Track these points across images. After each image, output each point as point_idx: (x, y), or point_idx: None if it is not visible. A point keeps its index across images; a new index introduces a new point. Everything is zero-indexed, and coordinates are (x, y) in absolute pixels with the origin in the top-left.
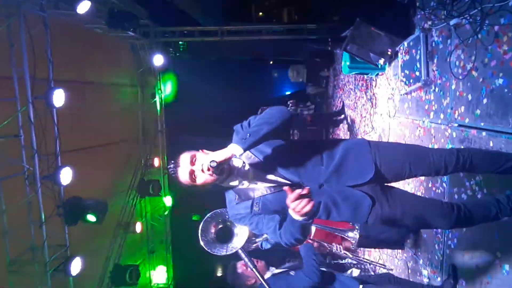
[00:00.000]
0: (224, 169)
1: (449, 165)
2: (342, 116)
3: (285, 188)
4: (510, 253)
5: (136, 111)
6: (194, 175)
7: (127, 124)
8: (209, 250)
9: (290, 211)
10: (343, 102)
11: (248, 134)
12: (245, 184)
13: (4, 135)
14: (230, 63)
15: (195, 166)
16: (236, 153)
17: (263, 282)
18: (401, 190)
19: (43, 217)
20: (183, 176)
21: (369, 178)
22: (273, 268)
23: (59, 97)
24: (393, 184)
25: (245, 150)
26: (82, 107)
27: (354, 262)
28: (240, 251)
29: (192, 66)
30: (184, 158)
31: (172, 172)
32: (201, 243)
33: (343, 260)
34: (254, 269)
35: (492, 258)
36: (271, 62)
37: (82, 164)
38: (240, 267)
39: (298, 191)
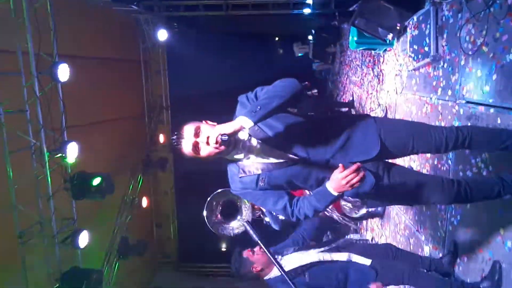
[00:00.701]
0: (231, 142)
1: (449, 142)
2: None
3: (340, 165)
4: None
5: (140, 87)
6: (198, 147)
7: (132, 100)
8: (215, 231)
9: (330, 186)
10: (353, 96)
11: (258, 107)
12: (251, 158)
13: (10, 110)
14: (235, 39)
15: (200, 138)
16: (245, 125)
17: (274, 261)
18: (402, 167)
19: (50, 191)
20: (187, 148)
21: (375, 154)
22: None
23: (64, 72)
24: (396, 161)
25: (255, 123)
26: (86, 82)
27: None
28: (246, 225)
29: (196, 41)
30: (188, 129)
31: (175, 143)
32: (208, 224)
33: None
34: (260, 242)
35: (495, 235)
36: (276, 39)
37: (88, 139)
38: (245, 253)
39: (353, 167)
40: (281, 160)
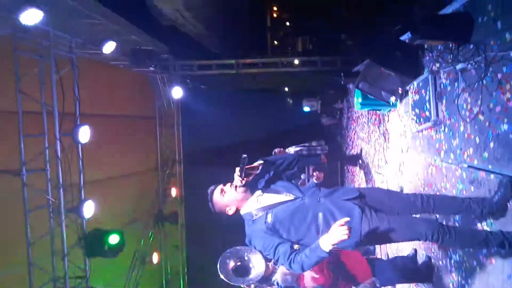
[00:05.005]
0: (249, 178)
1: (416, 208)
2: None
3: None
4: None
5: (154, 142)
6: (224, 192)
7: (146, 154)
8: (227, 280)
9: (326, 241)
10: (361, 150)
11: (269, 157)
12: (261, 200)
13: (31, 169)
14: (245, 94)
15: (226, 187)
16: (260, 162)
17: None
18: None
19: (65, 248)
20: (217, 193)
21: (354, 195)
22: None
23: (85, 134)
24: None
25: (264, 161)
26: (104, 139)
27: None
28: None
29: (208, 97)
30: (220, 185)
31: (211, 191)
32: (221, 275)
33: None
34: None
35: None
36: (286, 90)
37: (103, 194)
38: None
39: (345, 219)
40: (283, 200)
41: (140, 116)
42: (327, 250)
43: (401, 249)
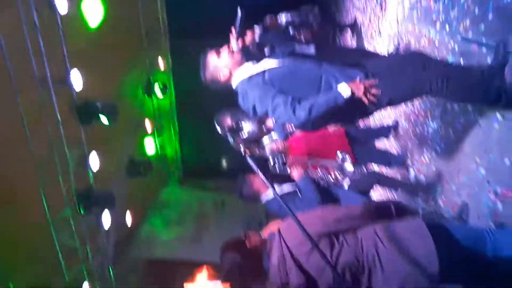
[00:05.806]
0: (246, 41)
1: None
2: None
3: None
4: None
5: (137, 12)
6: (220, 54)
7: (130, 26)
8: (222, 133)
9: (344, 86)
10: (355, 19)
11: None
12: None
13: (10, 43)
14: None
15: (222, 49)
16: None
17: (269, 185)
18: None
19: (59, 117)
20: (211, 55)
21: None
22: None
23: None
24: None
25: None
26: (84, 10)
27: None
28: (248, 159)
29: None
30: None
31: (205, 54)
32: (217, 128)
33: None
34: (261, 174)
35: (471, 162)
36: None
37: (89, 65)
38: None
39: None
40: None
41: None
42: (345, 96)
43: (382, 121)
